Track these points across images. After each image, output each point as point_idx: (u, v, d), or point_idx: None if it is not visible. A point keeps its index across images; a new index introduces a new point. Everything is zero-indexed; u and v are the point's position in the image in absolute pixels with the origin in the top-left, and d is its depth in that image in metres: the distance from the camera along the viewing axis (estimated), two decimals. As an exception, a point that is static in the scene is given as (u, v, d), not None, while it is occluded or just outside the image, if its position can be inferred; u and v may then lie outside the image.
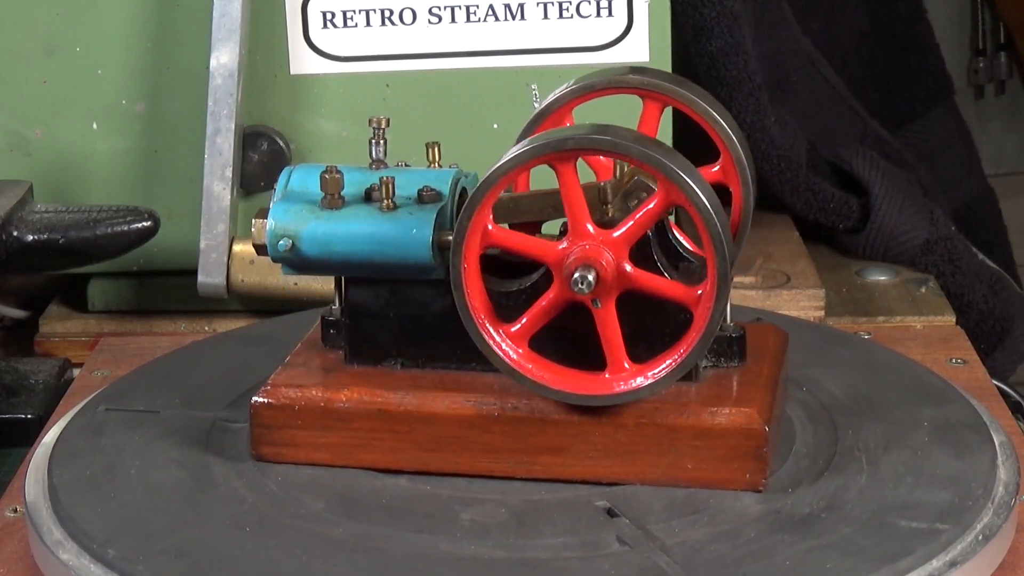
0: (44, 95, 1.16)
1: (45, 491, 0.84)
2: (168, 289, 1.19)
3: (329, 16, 1.14)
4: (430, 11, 1.14)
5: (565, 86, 0.89)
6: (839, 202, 1.30)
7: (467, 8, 1.14)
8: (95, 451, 0.87)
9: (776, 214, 1.31)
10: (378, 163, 0.87)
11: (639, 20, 1.13)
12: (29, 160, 1.17)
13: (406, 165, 0.88)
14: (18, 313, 1.29)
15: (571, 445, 0.81)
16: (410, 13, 1.14)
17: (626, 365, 0.80)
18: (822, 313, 1.17)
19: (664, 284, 0.80)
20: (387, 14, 1.14)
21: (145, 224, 1.05)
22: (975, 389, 0.96)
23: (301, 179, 0.86)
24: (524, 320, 0.81)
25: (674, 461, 0.80)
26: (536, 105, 1.14)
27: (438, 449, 0.83)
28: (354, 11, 1.14)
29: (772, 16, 1.39)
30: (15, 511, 0.86)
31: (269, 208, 0.85)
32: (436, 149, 0.87)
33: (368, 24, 1.14)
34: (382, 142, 0.87)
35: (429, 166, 0.87)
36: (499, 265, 0.83)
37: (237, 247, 1.12)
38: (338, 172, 0.84)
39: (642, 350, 0.80)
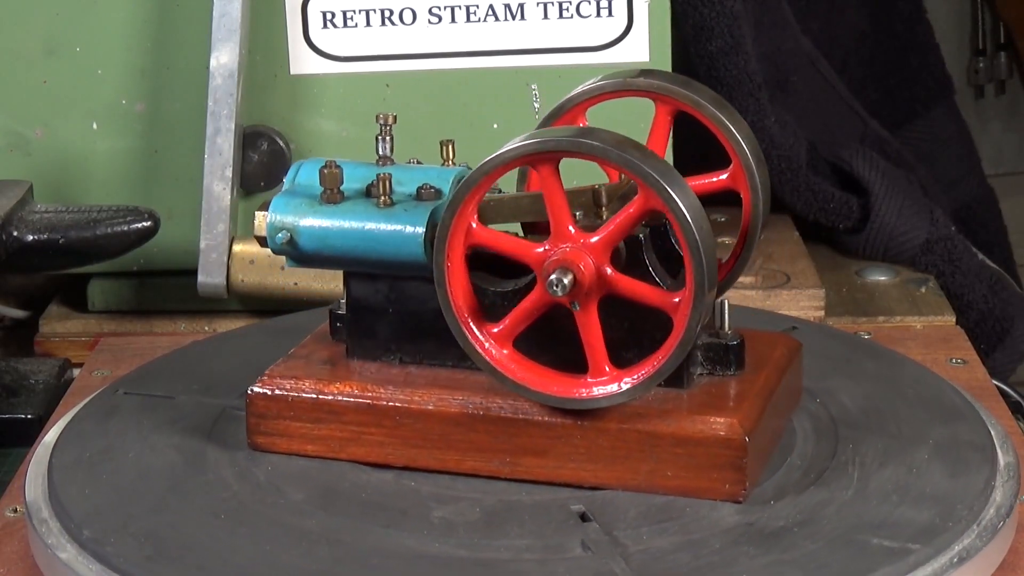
0: (44, 95, 1.16)
1: (45, 491, 0.84)
2: (168, 289, 1.19)
3: (329, 16, 1.14)
4: (430, 11, 1.14)
5: (586, 84, 0.89)
6: (839, 202, 1.30)
7: (467, 8, 1.14)
8: (101, 433, 0.89)
9: (776, 214, 1.31)
10: (384, 159, 0.87)
11: (639, 20, 1.13)
12: (29, 160, 1.17)
13: (418, 162, 0.88)
14: (18, 313, 1.29)
15: (554, 448, 0.81)
16: (410, 13, 1.14)
17: (607, 369, 0.80)
18: (822, 313, 1.17)
19: (644, 290, 0.79)
20: (387, 14, 1.14)
21: (145, 224, 1.05)
22: (975, 389, 0.96)
23: (309, 173, 0.87)
24: (507, 321, 0.81)
25: (655, 468, 0.80)
26: (536, 105, 1.14)
27: (426, 446, 0.83)
28: (354, 11, 1.14)
29: (772, 16, 1.39)
30: (15, 511, 0.86)
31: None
32: (450, 147, 0.87)
33: (368, 24, 1.14)
34: (388, 139, 0.87)
35: (443, 164, 0.87)
36: (503, 265, 0.83)
37: (237, 247, 1.12)
38: (337, 167, 0.85)
39: (634, 355, 0.80)
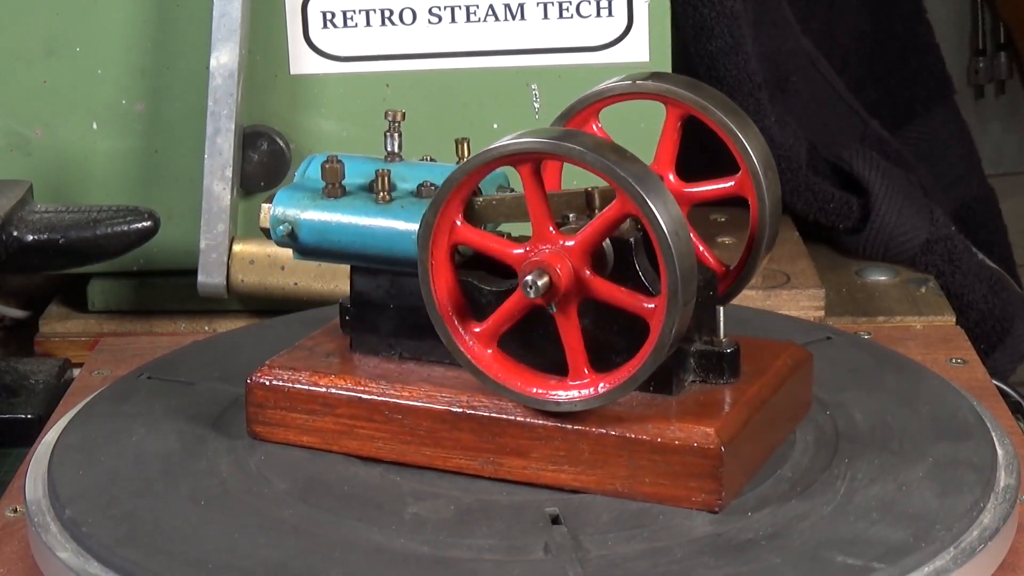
0: (44, 95, 1.16)
1: (45, 491, 0.84)
2: (168, 289, 1.19)
3: (329, 16, 1.14)
4: (430, 11, 1.14)
5: (607, 81, 0.88)
6: (839, 202, 1.30)
7: (467, 8, 1.14)
8: (112, 416, 0.90)
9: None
10: (392, 156, 0.87)
11: (639, 20, 1.13)
12: (29, 160, 1.17)
13: (431, 160, 0.88)
14: (18, 313, 1.29)
15: (535, 449, 0.81)
16: (410, 13, 1.14)
17: (585, 372, 0.79)
18: (822, 313, 1.17)
19: (619, 294, 0.78)
20: (387, 14, 1.14)
21: (145, 224, 1.05)
22: (975, 389, 0.95)
23: (319, 168, 0.87)
24: (490, 321, 0.81)
25: (633, 474, 0.79)
26: (536, 105, 1.14)
27: (415, 442, 0.84)
28: (354, 11, 1.14)
29: (772, 16, 1.39)
30: (15, 511, 0.86)
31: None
32: (465, 146, 0.87)
33: (368, 24, 1.14)
34: (396, 135, 0.87)
35: (458, 162, 0.87)
36: (505, 265, 0.83)
37: (237, 247, 1.12)
38: (339, 162, 0.86)
39: (623, 359, 0.79)
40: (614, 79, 0.88)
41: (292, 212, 0.86)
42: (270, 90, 1.15)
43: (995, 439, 0.86)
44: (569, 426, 0.80)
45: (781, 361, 0.85)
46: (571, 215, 0.81)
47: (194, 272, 1.13)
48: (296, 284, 1.13)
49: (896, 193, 1.30)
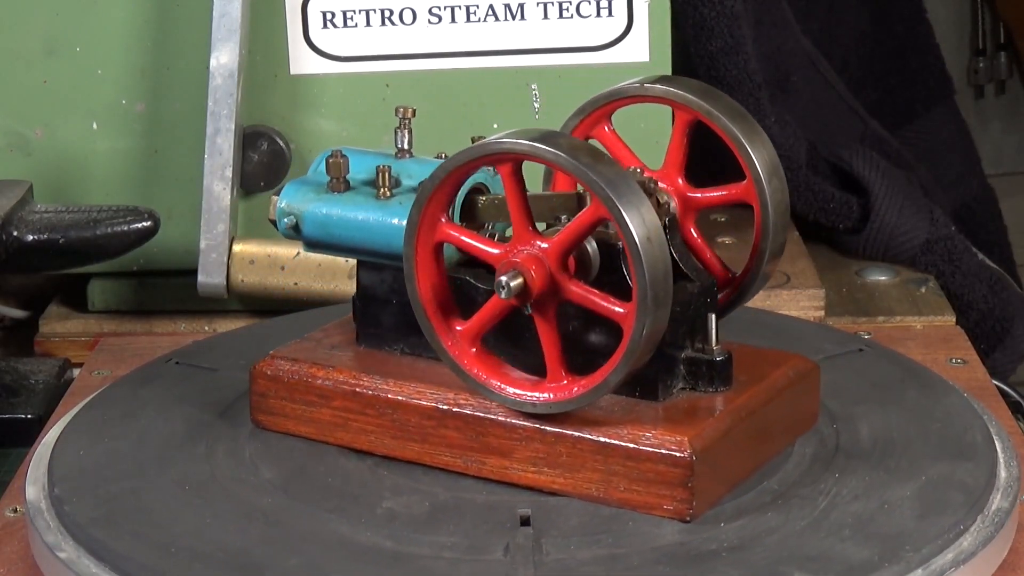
0: (44, 95, 1.16)
1: (45, 491, 0.84)
2: (168, 289, 1.19)
3: (329, 16, 1.14)
4: (430, 11, 1.14)
5: (613, 87, 0.88)
6: (839, 202, 1.30)
7: (467, 8, 1.14)
8: (128, 398, 0.92)
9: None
10: (402, 152, 0.88)
11: (639, 20, 1.13)
12: (29, 160, 1.17)
13: (446, 157, 0.88)
14: (18, 313, 1.29)
15: (516, 450, 0.81)
16: (410, 13, 1.14)
17: (562, 375, 0.79)
18: (822, 313, 1.17)
19: (592, 298, 0.77)
20: (387, 14, 1.14)
21: (145, 224, 1.05)
22: (975, 389, 0.95)
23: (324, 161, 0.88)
24: (472, 320, 0.81)
25: (607, 479, 0.79)
26: (536, 105, 1.14)
27: (404, 437, 0.84)
28: (354, 11, 1.14)
29: (772, 16, 1.39)
30: (15, 511, 0.87)
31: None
32: None
33: (368, 24, 1.14)
34: (407, 132, 0.88)
35: None
36: None
37: (237, 247, 1.12)
38: (343, 157, 0.86)
39: (604, 363, 0.78)
40: (626, 81, 0.88)
41: (297, 205, 0.87)
42: (270, 90, 1.15)
43: (1001, 461, 0.84)
44: (548, 428, 0.80)
45: (781, 372, 0.84)
46: (563, 217, 0.81)
47: (194, 272, 1.13)
48: (296, 284, 1.13)
49: (896, 193, 1.31)
